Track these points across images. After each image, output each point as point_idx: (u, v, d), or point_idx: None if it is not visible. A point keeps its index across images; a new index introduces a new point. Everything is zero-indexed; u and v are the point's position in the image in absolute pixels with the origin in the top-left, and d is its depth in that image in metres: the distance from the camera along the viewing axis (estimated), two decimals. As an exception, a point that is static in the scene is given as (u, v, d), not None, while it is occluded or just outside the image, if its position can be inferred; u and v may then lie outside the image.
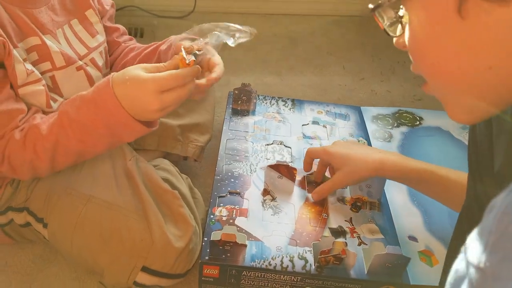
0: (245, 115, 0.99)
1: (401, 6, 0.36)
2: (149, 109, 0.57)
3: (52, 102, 0.68)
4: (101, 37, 0.79)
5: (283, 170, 0.81)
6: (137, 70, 0.57)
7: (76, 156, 0.63)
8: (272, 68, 1.35)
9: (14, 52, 0.61)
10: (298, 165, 0.87)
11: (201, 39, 0.63)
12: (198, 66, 0.60)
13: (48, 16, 0.68)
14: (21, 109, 0.62)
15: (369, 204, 0.81)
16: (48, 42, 0.67)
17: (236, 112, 0.99)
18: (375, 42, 1.54)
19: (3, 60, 0.60)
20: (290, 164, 0.82)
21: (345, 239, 0.74)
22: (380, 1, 0.37)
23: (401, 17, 0.37)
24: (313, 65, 1.39)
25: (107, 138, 0.61)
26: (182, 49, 0.61)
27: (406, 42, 0.36)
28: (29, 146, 0.60)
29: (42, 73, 0.67)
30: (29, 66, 0.63)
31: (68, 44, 0.72)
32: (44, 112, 0.67)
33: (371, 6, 0.37)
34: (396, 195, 0.84)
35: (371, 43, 1.53)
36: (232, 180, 0.83)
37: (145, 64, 0.59)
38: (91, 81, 0.75)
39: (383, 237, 0.75)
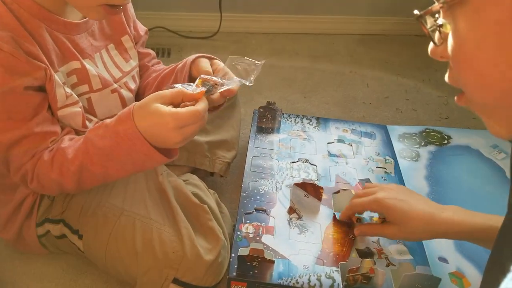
0: (270, 133, 1.00)
1: (437, 15, 0.35)
2: (170, 142, 0.59)
3: (87, 122, 0.71)
4: (133, 62, 0.82)
5: (309, 188, 0.82)
6: (156, 104, 0.58)
7: (101, 179, 0.66)
8: (296, 86, 1.37)
9: (55, 77, 0.64)
10: (324, 183, 0.87)
11: (220, 78, 0.66)
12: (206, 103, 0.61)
13: (87, 41, 0.72)
14: (55, 132, 0.65)
15: (397, 224, 0.81)
16: (88, 66, 0.71)
17: (261, 130, 1.01)
18: (399, 60, 1.54)
19: (45, 84, 0.63)
20: (316, 183, 0.82)
21: (373, 260, 0.73)
22: (430, 7, 0.35)
23: (441, 25, 0.35)
24: (336, 83, 1.40)
25: (129, 166, 0.63)
26: (198, 79, 0.64)
27: (449, 51, 0.35)
28: (56, 167, 0.63)
29: (79, 95, 0.70)
30: (68, 90, 0.67)
31: (104, 67, 0.75)
32: (78, 132, 0.70)
33: (416, 12, 0.36)
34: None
35: (395, 61, 1.54)
36: (258, 197, 0.84)
37: (159, 94, 0.59)
38: (123, 103, 0.78)
39: (411, 257, 0.75)
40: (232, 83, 0.65)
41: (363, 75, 1.45)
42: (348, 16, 1.65)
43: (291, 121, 1.04)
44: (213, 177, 0.98)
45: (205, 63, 0.73)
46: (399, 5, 1.56)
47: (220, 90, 0.65)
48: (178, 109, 0.58)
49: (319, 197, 0.82)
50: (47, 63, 0.63)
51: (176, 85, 0.63)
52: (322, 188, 0.82)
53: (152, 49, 0.91)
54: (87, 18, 0.70)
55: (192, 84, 0.65)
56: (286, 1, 1.59)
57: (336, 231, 0.79)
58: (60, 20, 0.66)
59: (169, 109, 0.58)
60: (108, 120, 0.62)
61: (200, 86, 0.64)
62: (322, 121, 1.06)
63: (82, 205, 0.71)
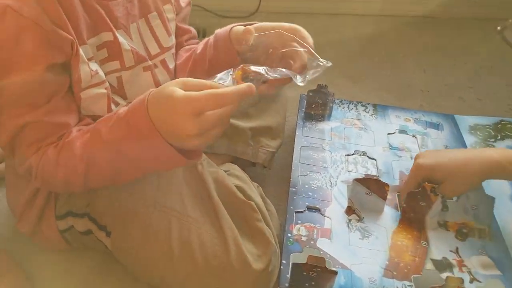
0: (320, 121, 0.88)
1: None
2: (184, 134, 0.46)
3: (113, 106, 0.61)
4: (174, 38, 0.71)
5: (372, 185, 0.69)
6: (172, 88, 0.46)
7: (110, 179, 0.56)
8: (342, 71, 1.23)
9: (80, 51, 0.54)
10: (386, 180, 0.74)
11: (266, 69, 0.53)
12: (250, 85, 0.47)
13: (124, 8, 0.61)
14: (66, 124, 0.55)
15: (478, 231, 0.67)
16: (121, 38, 0.60)
17: (310, 117, 0.88)
18: (456, 45, 1.38)
19: (70, 61, 0.53)
20: (377, 177, 0.70)
21: (453, 273, 0.60)
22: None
23: None
24: (388, 68, 1.26)
25: (142, 164, 0.53)
26: (235, 71, 0.52)
27: None
28: (61, 165, 0.53)
29: (108, 73, 0.60)
30: (93, 66, 0.57)
31: (141, 40, 0.65)
32: None
33: (499, 28, 0.26)
34: (511, 220, 0.69)
35: (451, 45, 1.38)
36: (310, 193, 0.72)
37: (186, 79, 0.48)
38: (157, 85, 0.67)
39: (500, 273, 0.61)
40: (280, 75, 0.53)
41: (418, 60, 1.30)
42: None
43: (343, 108, 0.92)
44: (254, 168, 0.87)
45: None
46: None
47: (262, 80, 0.53)
48: (194, 92, 0.45)
49: (383, 196, 0.69)
50: (74, 34, 0.53)
51: (217, 77, 0.52)
52: (387, 185, 0.69)
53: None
54: None
55: (228, 71, 0.53)
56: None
57: (405, 236, 0.66)
58: None
59: (183, 92, 0.46)
60: (122, 108, 0.52)
61: (240, 80, 0.51)
62: (379, 108, 0.92)
63: (109, 196, 0.61)
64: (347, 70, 1.24)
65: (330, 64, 0.55)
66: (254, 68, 0.52)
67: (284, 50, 0.59)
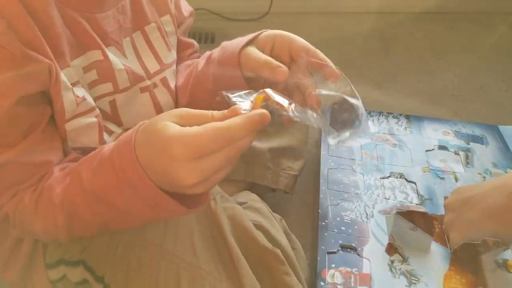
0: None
1: None
2: (181, 184, 0.34)
3: (106, 136, 0.51)
4: (175, 52, 0.60)
5: (418, 219, 0.59)
6: (164, 123, 0.35)
7: (99, 230, 0.46)
8: (366, 75, 1.13)
9: (62, 76, 0.44)
10: (430, 209, 0.64)
11: (293, 107, 0.40)
12: (263, 113, 0.35)
13: (115, 22, 0.51)
14: (47, 162, 0.45)
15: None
16: (111, 56, 0.50)
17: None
18: (486, 43, 1.26)
19: (49, 89, 0.43)
20: (423, 210, 0.59)
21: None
22: None
23: None
24: (417, 71, 1.15)
25: (133, 216, 0.42)
26: (257, 94, 0.39)
27: None
28: (40, 216, 0.44)
29: (99, 97, 0.50)
30: (79, 92, 0.46)
31: (136, 57, 0.54)
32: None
33: None
34: None
35: (481, 44, 1.26)
36: (343, 228, 0.61)
37: (182, 110, 0.36)
38: (158, 108, 0.56)
39: None
40: (307, 120, 0.41)
41: (447, 61, 1.19)
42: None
43: (373, 121, 0.81)
44: (274, 193, 0.76)
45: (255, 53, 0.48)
46: None
47: (284, 117, 0.40)
48: (193, 128, 0.34)
49: (431, 232, 0.59)
50: (52, 56, 0.42)
51: (228, 93, 0.40)
52: (435, 218, 0.59)
53: (193, 34, 0.69)
54: None
55: (250, 92, 0.40)
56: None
57: (459, 281, 0.55)
58: None
59: (177, 128, 0.34)
60: (107, 145, 0.41)
61: (260, 107, 0.39)
62: (414, 120, 0.81)
63: (108, 242, 0.51)
64: (371, 74, 1.13)
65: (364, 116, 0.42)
66: (278, 98, 0.41)
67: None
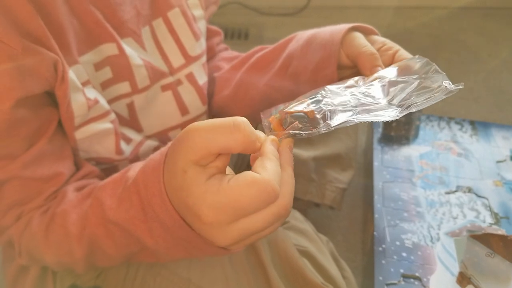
0: (404, 144, 0.67)
1: None
2: (216, 245, 0.27)
3: (124, 145, 0.43)
4: (204, 41, 0.52)
5: (496, 243, 0.49)
6: (184, 168, 0.26)
7: (118, 261, 0.38)
8: (415, 75, 1.02)
9: (70, 75, 0.36)
10: (507, 229, 0.53)
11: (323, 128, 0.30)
12: (272, 142, 0.28)
13: (132, 8, 0.43)
14: (58, 175, 0.38)
15: None
16: (128, 50, 0.42)
17: (389, 139, 0.68)
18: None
19: (54, 90, 0.36)
20: (498, 230, 0.49)
21: None
22: None
23: None
24: (471, 71, 1.03)
25: (161, 251, 0.34)
26: (278, 113, 0.31)
27: None
28: (53, 244, 0.36)
29: (115, 99, 0.43)
30: (91, 93, 0.39)
31: (157, 49, 0.46)
32: (112, 161, 0.43)
33: None
34: None
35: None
36: (404, 254, 0.51)
37: (212, 140, 0.25)
38: (182, 109, 0.48)
39: None
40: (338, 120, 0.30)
41: (507, 60, 1.06)
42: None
43: (433, 126, 0.70)
44: (317, 208, 0.67)
45: (362, 41, 0.39)
46: None
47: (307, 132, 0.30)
48: (223, 184, 0.25)
49: (510, 257, 0.48)
50: (58, 50, 0.35)
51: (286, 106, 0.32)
52: (516, 243, 0.48)
53: (225, 29, 0.60)
54: None
55: (318, 97, 0.32)
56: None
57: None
58: None
59: (203, 188, 0.25)
60: (133, 167, 0.33)
61: (279, 128, 0.30)
62: (479, 126, 0.70)
63: (126, 269, 0.43)
64: (419, 74, 1.02)
65: (461, 86, 0.32)
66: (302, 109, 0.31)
67: None
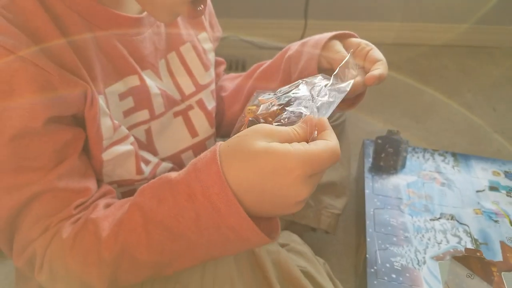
0: (392, 174, 0.73)
1: None
2: (295, 200, 0.33)
3: (143, 166, 0.47)
4: (213, 71, 0.58)
5: (475, 264, 0.54)
6: (263, 143, 0.32)
7: (146, 273, 0.40)
8: (402, 108, 1.09)
9: (100, 101, 0.40)
10: (486, 255, 0.59)
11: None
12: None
13: (151, 43, 0.48)
14: (86, 189, 0.41)
15: None
16: (148, 81, 0.47)
17: (379, 169, 0.74)
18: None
19: (83, 113, 0.40)
20: (480, 254, 0.54)
21: None
22: None
23: None
24: (454, 106, 1.11)
25: (199, 251, 0.37)
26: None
27: None
28: (79, 252, 0.38)
29: (135, 126, 0.47)
30: (115, 118, 0.44)
31: (171, 78, 0.52)
32: (132, 183, 0.47)
33: None
34: None
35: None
36: (394, 275, 0.56)
37: (266, 128, 0.34)
38: (192, 131, 0.53)
39: None
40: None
41: (486, 96, 1.14)
42: (451, 24, 1.35)
43: (418, 158, 0.76)
44: (313, 232, 0.72)
45: (338, 47, 0.48)
46: None
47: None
48: (306, 145, 0.32)
49: (490, 279, 0.54)
50: (89, 79, 0.39)
51: (266, 94, 0.40)
52: (494, 265, 0.53)
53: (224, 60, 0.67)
54: None
55: (312, 96, 0.38)
56: (382, 7, 1.33)
57: None
58: (113, 14, 0.42)
59: (288, 146, 0.32)
60: (172, 173, 0.37)
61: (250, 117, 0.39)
62: (460, 158, 0.77)
63: (141, 284, 0.47)
64: (408, 107, 1.09)
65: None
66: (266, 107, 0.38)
67: None
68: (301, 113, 0.36)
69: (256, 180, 0.32)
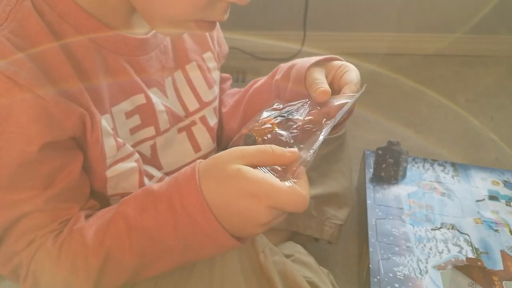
0: (393, 184, 0.74)
1: None
2: (256, 222, 0.37)
3: (146, 181, 0.49)
4: (217, 88, 0.60)
5: (476, 274, 0.55)
6: (237, 166, 0.36)
7: (128, 275, 0.42)
8: (400, 118, 1.11)
9: (103, 123, 0.42)
10: (488, 264, 0.60)
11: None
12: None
13: (158, 62, 0.50)
14: (72, 208, 0.43)
15: None
16: (154, 98, 0.49)
17: (380, 179, 0.75)
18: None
19: (82, 136, 0.41)
20: (481, 263, 0.55)
21: None
22: None
23: None
24: (451, 115, 1.12)
25: (176, 254, 0.41)
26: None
27: None
28: (65, 261, 0.40)
29: (141, 142, 0.49)
30: (120, 138, 0.45)
31: (176, 96, 0.53)
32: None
33: None
34: None
35: (518, 88, 1.24)
36: (397, 285, 0.57)
37: (243, 150, 0.37)
38: (195, 146, 0.55)
39: None
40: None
41: (482, 104, 1.16)
42: (445, 34, 1.38)
43: (418, 168, 0.78)
44: (316, 243, 0.73)
45: (316, 75, 0.48)
46: (508, 22, 1.28)
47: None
48: (277, 181, 0.36)
49: (489, 287, 0.55)
50: (90, 103, 0.41)
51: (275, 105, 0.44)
52: (495, 274, 0.54)
53: (225, 72, 0.69)
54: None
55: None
56: (378, 18, 1.35)
57: None
58: (121, 36, 0.44)
59: (265, 176, 0.36)
60: (154, 186, 0.40)
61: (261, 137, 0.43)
62: (460, 168, 0.78)
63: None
64: (406, 117, 1.11)
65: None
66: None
67: None
68: (283, 136, 0.40)
69: (226, 199, 0.36)
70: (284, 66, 0.54)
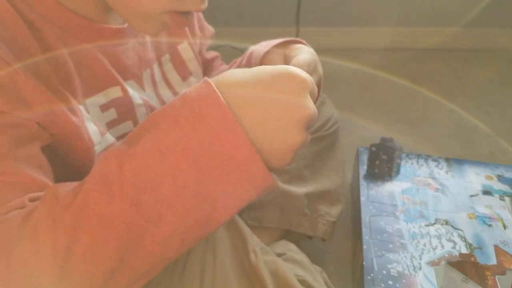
0: (387, 181, 0.74)
1: None
2: (292, 142, 0.30)
3: None
4: (194, 79, 0.58)
5: (469, 269, 0.55)
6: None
7: (113, 249, 0.29)
8: (396, 114, 1.10)
9: (81, 109, 0.40)
10: (481, 259, 0.59)
11: None
12: None
13: (135, 54, 0.48)
14: (45, 184, 0.34)
15: None
16: (131, 91, 0.47)
17: (374, 176, 0.74)
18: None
19: (53, 126, 0.37)
20: (474, 259, 0.55)
21: None
22: None
23: None
24: (447, 110, 1.12)
25: (187, 199, 0.29)
26: None
27: None
28: (28, 226, 0.29)
29: (119, 138, 0.46)
30: (102, 126, 0.44)
31: (153, 89, 0.52)
32: None
33: None
34: None
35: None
36: (391, 282, 0.57)
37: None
38: None
39: None
40: None
41: (478, 99, 1.16)
42: (442, 28, 1.37)
43: (412, 164, 0.77)
44: (310, 240, 0.72)
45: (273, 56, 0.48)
46: (508, 16, 1.27)
47: None
48: None
49: (484, 283, 0.54)
50: (63, 91, 0.39)
51: None
52: (488, 269, 0.54)
53: None
54: None
55: None
56: (373, 13, 1.35)
57: None
58: (94, 26, 0.42)
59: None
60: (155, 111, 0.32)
61: None
62: (454, 163, 0.78)
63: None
64: (402, 113, 1.10)
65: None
66: None
67: None
68: None
69: (265, 111, 0.30)
70: (251, 49, 0.54)
